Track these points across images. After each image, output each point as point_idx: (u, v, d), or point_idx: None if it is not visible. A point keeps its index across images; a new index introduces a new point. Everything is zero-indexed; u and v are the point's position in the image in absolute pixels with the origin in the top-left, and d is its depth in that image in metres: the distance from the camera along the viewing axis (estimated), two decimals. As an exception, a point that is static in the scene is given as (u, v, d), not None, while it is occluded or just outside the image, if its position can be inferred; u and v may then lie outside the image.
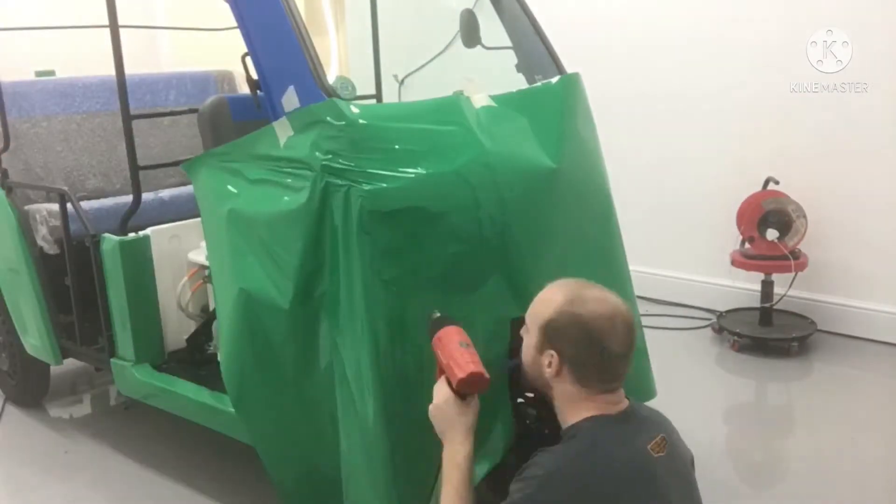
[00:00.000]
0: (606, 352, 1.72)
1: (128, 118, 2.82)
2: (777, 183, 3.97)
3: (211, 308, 3.00)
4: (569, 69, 2.75)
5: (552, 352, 1.78)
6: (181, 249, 3.04)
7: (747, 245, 4.01)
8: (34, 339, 3.40)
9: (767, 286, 3.97)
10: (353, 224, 2.10)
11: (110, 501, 2.95)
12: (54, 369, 3.65)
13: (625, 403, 1.78)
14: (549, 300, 1.81)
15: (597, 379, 1.75)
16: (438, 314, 2.06)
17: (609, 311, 1.74)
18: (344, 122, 2.12)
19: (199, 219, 2.68)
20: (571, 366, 1.76)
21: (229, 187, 2.42)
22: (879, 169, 3.87)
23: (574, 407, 1.76)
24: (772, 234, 3.93)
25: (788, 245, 3.89)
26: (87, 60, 3.70)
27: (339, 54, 5.85)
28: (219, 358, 2.62)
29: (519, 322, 2.01)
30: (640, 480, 1.65)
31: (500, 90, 2.46)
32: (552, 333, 1.78)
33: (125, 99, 2.81)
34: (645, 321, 2.98)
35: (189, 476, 3.02)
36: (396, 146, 2.17)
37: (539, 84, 2.65)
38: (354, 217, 2.09)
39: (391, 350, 2.14)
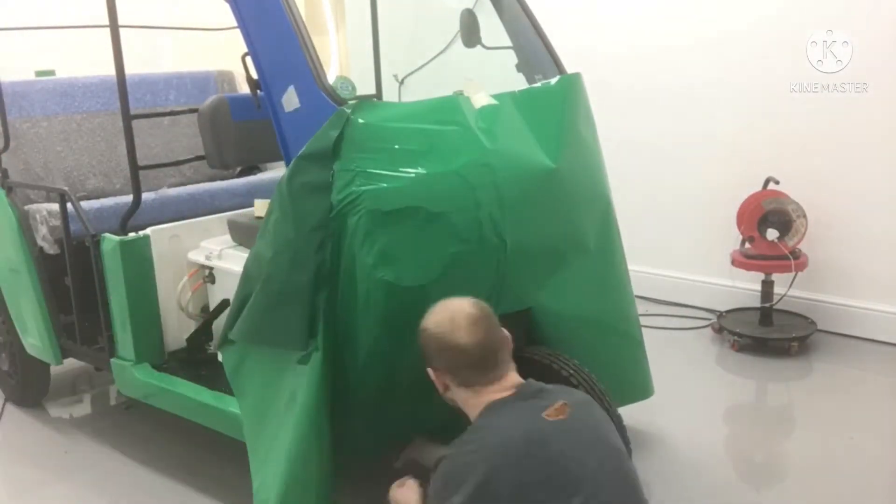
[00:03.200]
0: (460, 348, 1.81)
1: (128, 118, 2.82)
2: (777, 183, 3.97)
3: (211, 308, 3.01)
4: (569, 69, 2.75)
5: (431, 371, 1.90)
6: (181, 249, 3.03)
7: (747, 245, 4.01)
8: (34, 339, 3.40)
9: (767, 286, 3.97)
10: (353, 223, 2.10)
11: (110, 501, 2.94)
12: (54, 369, 3.65)
13: (516, 384, 1.85)
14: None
15: (474, 376, 1.83)
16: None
17: (448, 313, 1.85)
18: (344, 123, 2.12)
19: (199, 219, 2.67)
20: (449, 374, 1.86)
21: None
22: (879, 169, 3.86)
23: (475, 408, 1.85)
24: (772, 233, 3.93)
25: (788, 245, 3.88)
26: (87, 60, 3.70)
27: (339, 54, 5.85)
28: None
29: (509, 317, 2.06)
30: (529, 445, 1.70)
31: (500, 90, 2.47)
32: (425, 358, 1.90)
33: (125, 99, 2.81)
34: (645, 321, 2.98)
35: (189, 476, 3.01)
36: (396, 146, 2.17)
37: (539, 84, 2.65)
38: (355, 216, 2.09)
39: (388, 350, 2.14)
